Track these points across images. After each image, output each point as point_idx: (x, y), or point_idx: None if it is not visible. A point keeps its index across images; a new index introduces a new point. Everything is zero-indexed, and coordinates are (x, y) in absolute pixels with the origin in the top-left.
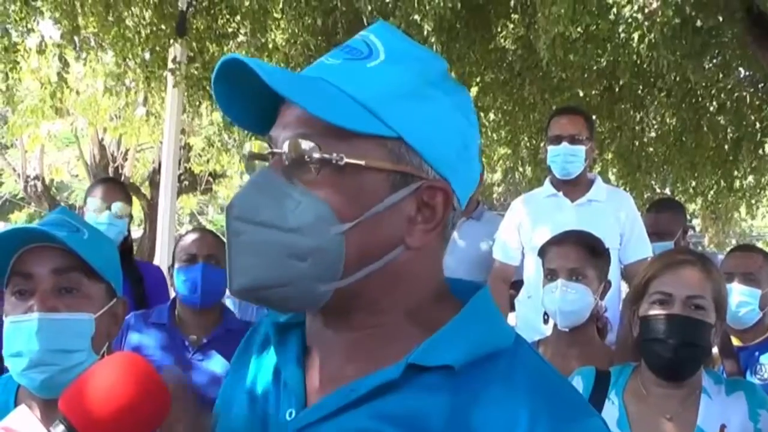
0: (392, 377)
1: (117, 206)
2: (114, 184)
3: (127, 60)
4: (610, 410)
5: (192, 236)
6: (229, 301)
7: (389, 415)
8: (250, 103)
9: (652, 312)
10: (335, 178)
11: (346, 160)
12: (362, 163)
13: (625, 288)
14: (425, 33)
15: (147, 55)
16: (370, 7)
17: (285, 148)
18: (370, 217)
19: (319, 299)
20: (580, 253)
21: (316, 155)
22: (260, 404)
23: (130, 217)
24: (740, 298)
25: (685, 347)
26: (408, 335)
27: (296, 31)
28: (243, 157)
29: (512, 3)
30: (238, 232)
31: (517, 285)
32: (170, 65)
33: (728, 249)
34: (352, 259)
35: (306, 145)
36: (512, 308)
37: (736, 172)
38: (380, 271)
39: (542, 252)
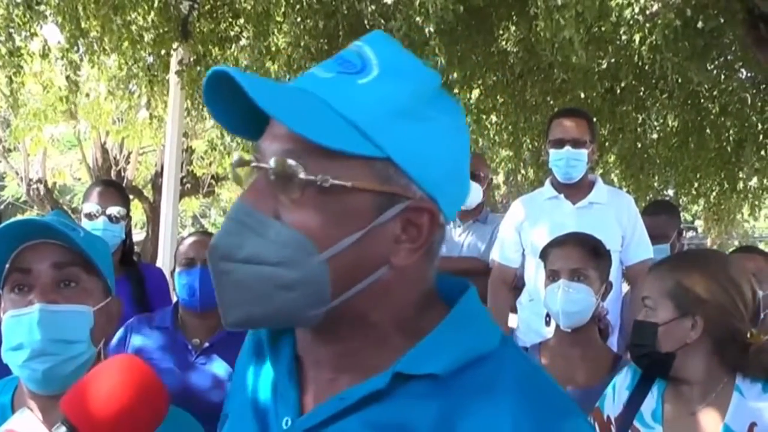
0: (379, 387)
1: (112, 210)
2: (109, 187)
3: (130, 63)
4: (650, 402)
5: (191, 240)
6: None
7: (378, 424)
8: (241, 109)
9: None
10: (319, 200)
11: (332, 181)
12: (348, 184)
13: (626, 290)
14: (426, 35)
15: (150, 59)
16: (371, 10)
17: (271, 164)
18: (356, 241)
19: (310, 321)
20: (581, 253)
21: (301, 176)
22: (260, 410)
23: (129, 219)
24: None
25: (633, 348)
26: (395, 344)
27: (298, 34)
28: (230, 166)
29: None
30: (224, 271)
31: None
32: (177, 67)
33: (730, 250)
34: (338, 283)
35: (292, 164)
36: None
37: (739, 174)
38: (367, 290)
39: (543, 254)
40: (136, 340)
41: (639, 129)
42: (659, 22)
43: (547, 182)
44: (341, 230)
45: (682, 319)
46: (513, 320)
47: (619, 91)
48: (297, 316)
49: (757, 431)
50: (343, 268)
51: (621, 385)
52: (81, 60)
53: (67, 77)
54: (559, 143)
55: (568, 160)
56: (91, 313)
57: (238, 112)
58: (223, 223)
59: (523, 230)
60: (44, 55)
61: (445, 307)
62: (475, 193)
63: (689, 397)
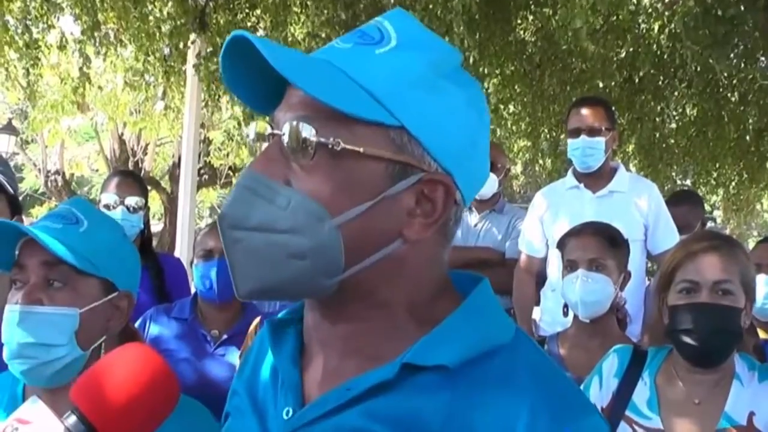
0: (387, 377)
1: (130, 200)
2: (127, 177)
3: (147, 55)
4: (642, 390)
5: (208, 231)
6: None
7: (384, 416)
8: (257, 81)
9: (680, 301)
10: (331, 166)
11: (343, 145)
12: (360, 150)
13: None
14: (446, 25)
15: (167, 50)
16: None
17: (285, 129)
18: (367, 209)
19: (325, 291)
20: (599, 243)
21: (313, 139)
22: (260, 403)
23: (147, 209)
24: (766, 289)
25: (716, 335)
26: (405, 331)
27: (317, 24)
28: (245, 139)
29: None
30: (235, 239)
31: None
32: (194, 60)
33: (750, 240)
34: (351, 252)
35: (304, 128)
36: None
37: (758, 164)
38: (380, 263)
39: (561, 244)
40: (154, 330)
41: (657, 119)
42: (678, 10)
43: (569, 172)
44: (353, 198)
45: (747, 304)
46: (536, 312)
47: (637, 80)
48: (310, 286)
49: (756, 420)
50: (355, 237)
51: (608, 372)
52: (98, 53)
53: (80, 69)
54: (575, 132)
55: (583, 149)
56: (76, 315)
57: (255, 83)
58: (233, 191)
59: (545, 221)
60: (61, 47)
61: (459, 297)
62: (491, 183)
63: (693, 386)
